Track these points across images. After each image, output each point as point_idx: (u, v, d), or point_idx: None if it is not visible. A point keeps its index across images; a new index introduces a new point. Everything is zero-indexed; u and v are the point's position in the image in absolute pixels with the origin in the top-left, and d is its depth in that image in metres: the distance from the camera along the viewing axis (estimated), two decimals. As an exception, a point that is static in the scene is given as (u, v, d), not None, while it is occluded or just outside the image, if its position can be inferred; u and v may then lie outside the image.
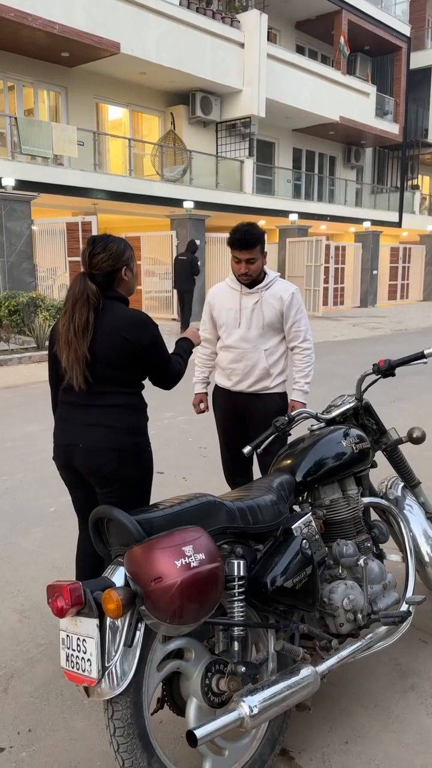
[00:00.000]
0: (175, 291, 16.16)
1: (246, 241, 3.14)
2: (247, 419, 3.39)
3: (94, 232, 12.53)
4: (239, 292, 3.31)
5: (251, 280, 3.25)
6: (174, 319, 16.27)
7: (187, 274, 13.34)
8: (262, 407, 3.33)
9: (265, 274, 3.32)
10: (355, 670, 2.60)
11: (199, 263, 13.74)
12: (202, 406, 3.64)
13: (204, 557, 1.74)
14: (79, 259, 12.85)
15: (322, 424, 2.65)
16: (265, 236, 3.28)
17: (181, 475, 4.98)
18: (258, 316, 3.26)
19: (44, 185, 13.68)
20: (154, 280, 16.80)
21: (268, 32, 18.86)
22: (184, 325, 13.49)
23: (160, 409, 7.27)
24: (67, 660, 1.80)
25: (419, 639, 2.85)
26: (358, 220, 23.08)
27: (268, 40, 18.60)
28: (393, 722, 2.33)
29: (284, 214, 19.57)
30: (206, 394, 3.65)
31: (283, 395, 3.40)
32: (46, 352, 11.61)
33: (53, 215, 15.31)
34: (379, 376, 2.75)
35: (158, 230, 17.08)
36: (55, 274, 13.90)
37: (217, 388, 3.52)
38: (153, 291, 16.91)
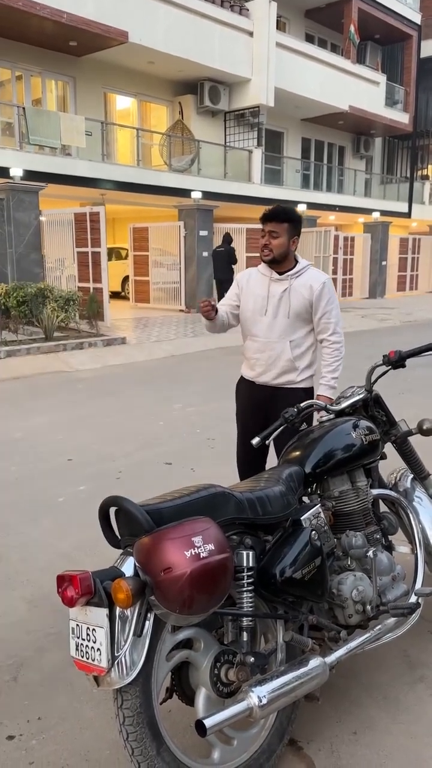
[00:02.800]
0: (181, 281, 16.19)
1: (273, 212, 3.08)
2: (269, 413, 3.22)
3: (102, 223, 12.49)
4: (269, 278, 3.19)
5: (272, 257, 3.11)
6: (182, 311, 16.25)
7: (226, 264, 14.56)
8: (285, 402, 3.11)
9: (297, 262, 3.19)
10: (363, 662, 2.60)
11: (236, 253, 15.03)
12: (207, 307, 3.26)
13: (213, 548, 1.74)
14: (87, 249, 12.84)
15: (332, 416, 2.64)
16: (301, 223, 3.17)
17: (189, 466, 4.98)
18: (285, 305, 3.14)
19: (52, 175, 13.64)
20: (161, 271, 16.75)
21: (277, 21, 18.69)
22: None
23: (169, 401, 7.28)
24: (77, 649, 1.81)
25: (428, 630, 2.84)
26: (367, 211, 22.92)
27: (277, 28, 18.43)
28: (402, 713, 2.33)
29: (293, 204, 19.42)
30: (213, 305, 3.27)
31: (309, 390, 3.26)
32: (54, 343, 11.51)
33: (61, 206, 15.26)
34: (390, 367, 2.73)
35: (166, 221, 17.03)
36: (62, 265, 13.87)
37: (241, 378, 3.40)
38: (161, 282, 16.87)
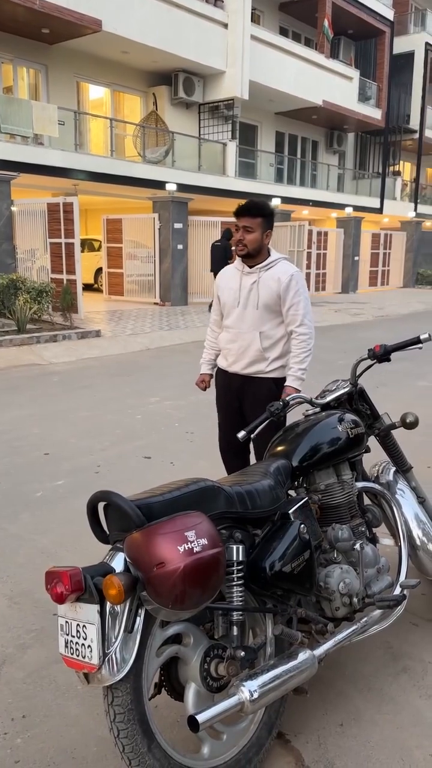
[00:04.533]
0: (155, 274, 16.10)
1: (246, 207, 3.14)
2: (242, 402, 3.38)
3: (76, 214, 12.33)
4: (241, 272, 3.29)
5: (246, 252, 3.19)
6: (156, 304, 16.15)
7: (223, 258, 14.67)
8: (255, 391, 3.31)
9: (269, 255, 3.26)
10: (348, 654, 2.62)
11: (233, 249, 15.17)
12: (202, 385, 3.60)
13: (206, 542, 1.72)
14: (60, 240, 12.66)
15: (317, 409, 2.64)
16: (274, 216, 3.23)
17: (169, 460, 4.96)
18: (254, 297, 3.23)
19: (24, 165, 13.41)
20: (136, 264, 16.61)
21: (252, 13, 18.60)
22: None
23: (146, 394, 7.23)
24: (66, 646, 1.78)
25: (410, 622, 2.88)
26: (340, 206, 23.03)
27: (251, 21, 18.35)
28: (387, 704, 2.35)
29: (267, 198, 19.40)
30: (210, 375, 3.60)
31: (280, 381, 3.34)
32: (27, 335, 11.31)
33: (33, 195, 15.03)
34: (375, 361, 2.74)
35: (140, 212, 16.89)
36: (34, 256, 13.68)
37: (218, 368, 3.51)
38: (135, 275, 16.74)
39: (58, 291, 12.04)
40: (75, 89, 16.76)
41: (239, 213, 3.16)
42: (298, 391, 3.27)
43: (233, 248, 3.27)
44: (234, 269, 3.36)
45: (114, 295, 17.19)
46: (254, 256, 3.22)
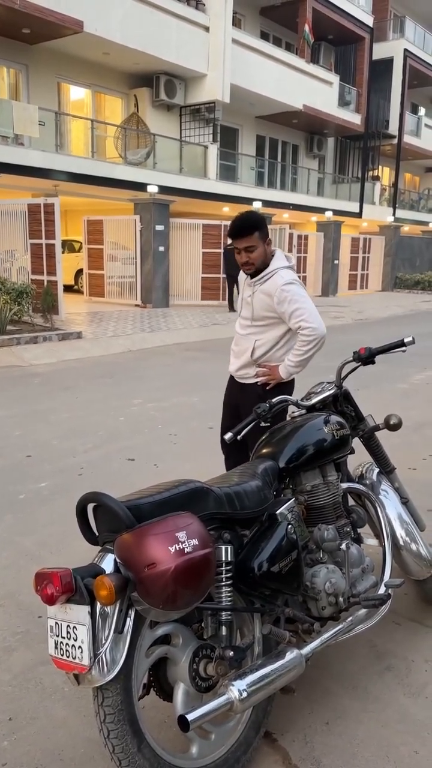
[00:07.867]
0: (137, 276, 16.05)
1: (242, 228, 3.11)
2: (238, 404, 3.46)
3: (57, 215, 12.27)
4: (245, 282, 3.37)
5: (255, 268, 3.20)
6: (138, 306, 16.12)
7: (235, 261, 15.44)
8: (247, 393, 3.38)
9: (268, 265, 3.22)
10: (333, 653, 2.64)
11: None
12: None
13: (197, 543, 1.73)
14: (40, 241, 12.60)
15: (303, 411, 2.67)
16: (265, 222, 3.20)
17: (152, 462, 4.95)
18: (250, 308, 3.29)
19: (4, 165, 13.32)
20: (117, 265, 16.57)
21: (233, 17, 18.68)
22: (232, 304, 15.74)
23: (129, 396, 7.22)
24: (56, 648, 1.78)
25: (393, 621, 2.91)
26: (320, 210, 23.20)
27: (232, 24, 18.43)
28: (372, 702, 2.38)
29: (248, 201, 19.50)
30: None
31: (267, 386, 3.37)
32: (7, 337, 11.22)
33: (12, 196, 14.93)
34: (360, 363, 2.78)
35: (121, 214, 16.85)
36: (13, 257, 13.58)
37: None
38: (116, 276, 16.69)
39: (39, 292, 11.97)
40: (56, 90, 16.69)
41: (236, 236, 3.12)
42: (282, 379, 3.27)
43: (243, 268, 3.26)
44: (245, 276, 3.38)
45: (95, 297, 17.12)
46: (262, 270, 3.22)
